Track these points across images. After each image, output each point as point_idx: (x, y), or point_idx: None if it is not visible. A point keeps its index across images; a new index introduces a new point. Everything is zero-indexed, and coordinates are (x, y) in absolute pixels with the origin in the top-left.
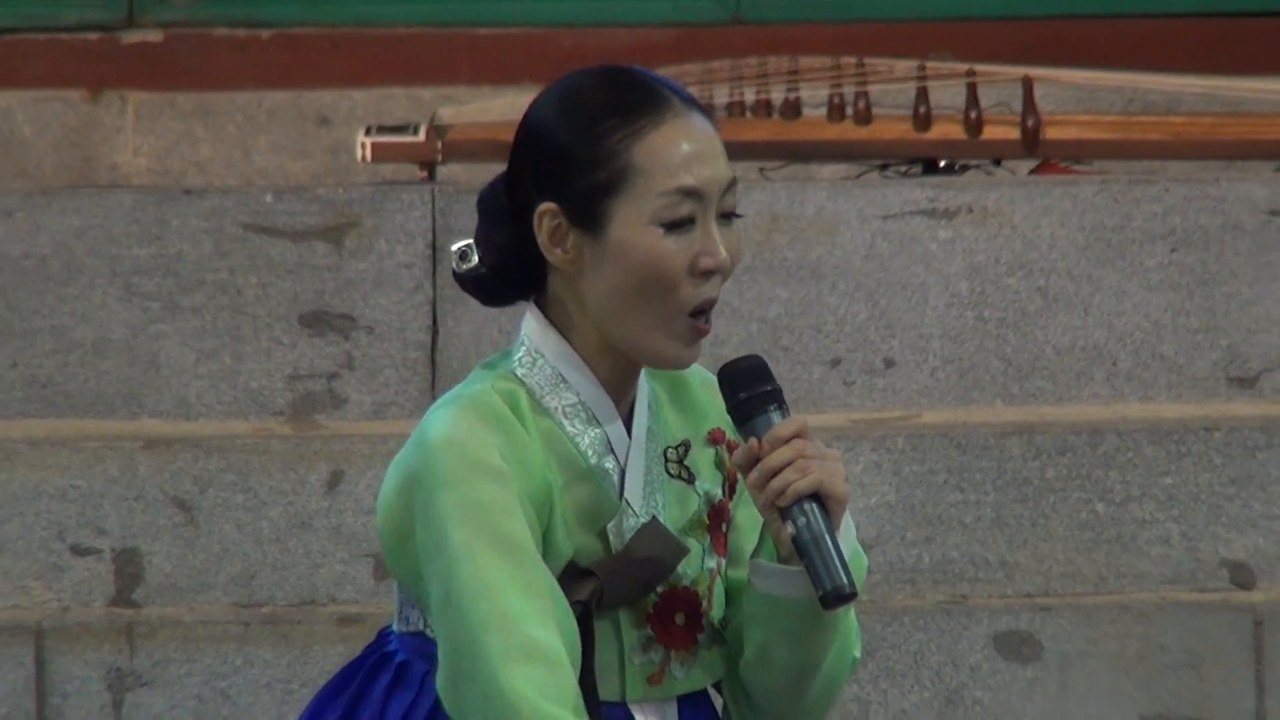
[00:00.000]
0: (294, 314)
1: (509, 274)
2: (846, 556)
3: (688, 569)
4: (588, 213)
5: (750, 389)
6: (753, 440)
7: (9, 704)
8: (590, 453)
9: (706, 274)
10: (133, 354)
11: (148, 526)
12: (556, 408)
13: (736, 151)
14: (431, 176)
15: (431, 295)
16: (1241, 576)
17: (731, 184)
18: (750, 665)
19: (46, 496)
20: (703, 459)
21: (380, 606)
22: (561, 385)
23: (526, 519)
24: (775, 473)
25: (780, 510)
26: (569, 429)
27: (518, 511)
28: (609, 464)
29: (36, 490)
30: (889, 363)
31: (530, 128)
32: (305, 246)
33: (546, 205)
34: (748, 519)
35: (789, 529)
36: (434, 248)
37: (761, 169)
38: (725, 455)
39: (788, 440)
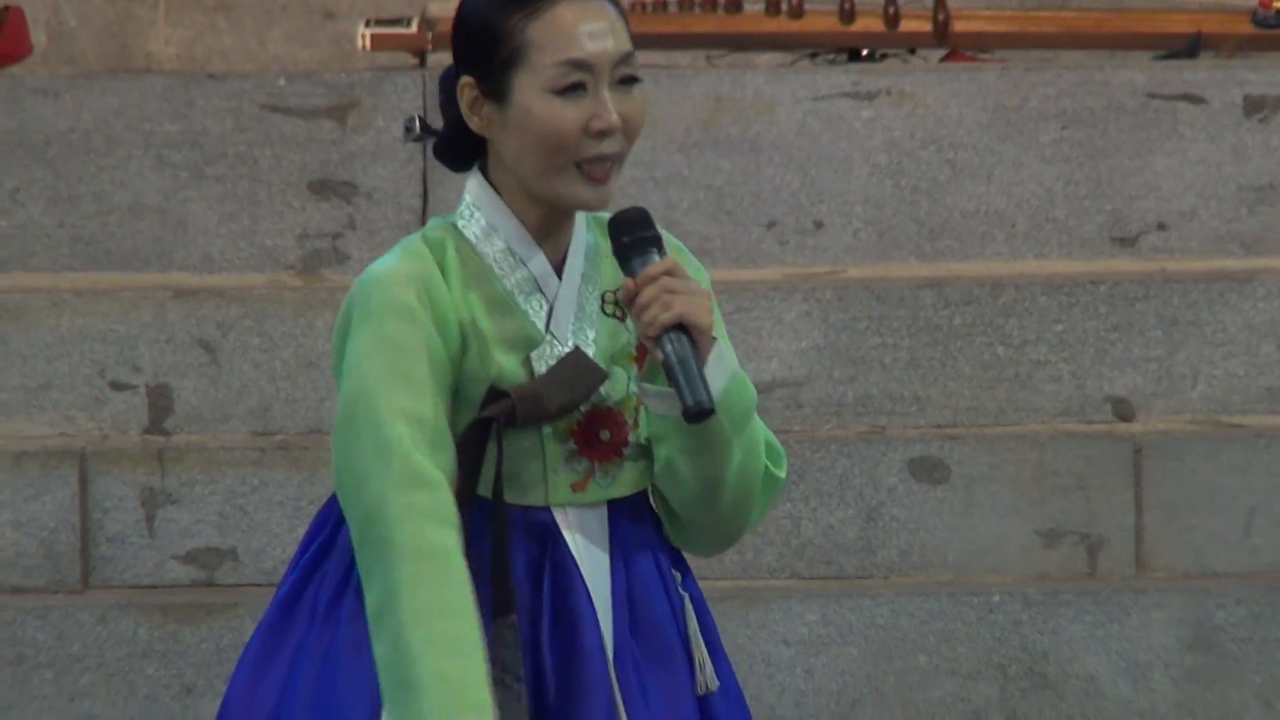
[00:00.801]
0: (303, 182)
1: (456, 142)
2: (722, 381)
3: (612, 392)
4: (495, 85)
5: (632, 234)
6: (628, 279)
7: (57, 518)
8: (516, 291)
9: (600, 134)
10: (163, 216)
11: (176, 365)
12: (489, 253)
13: (687, 42)
14: (422, 63)
15: (423, 166)
16: (1123, 410)
17: (625, 56)
18: (661, 478)
19: (89, 339)
20: (602, 306)
21: None
22: (494, 234)
23: (433, 355)
24: (646, 307)
25: (653, 339)
26: (497, 270)
27: (421, 351)
28: (536, 302)
29: (80, 334)
30: (818, 224)
31: (458, 14)
32: (313, 124)
33: (465, 79)
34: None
35: (658, 355)
36: (423, 125)
37: (708, 57)
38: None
39: (656, 278)
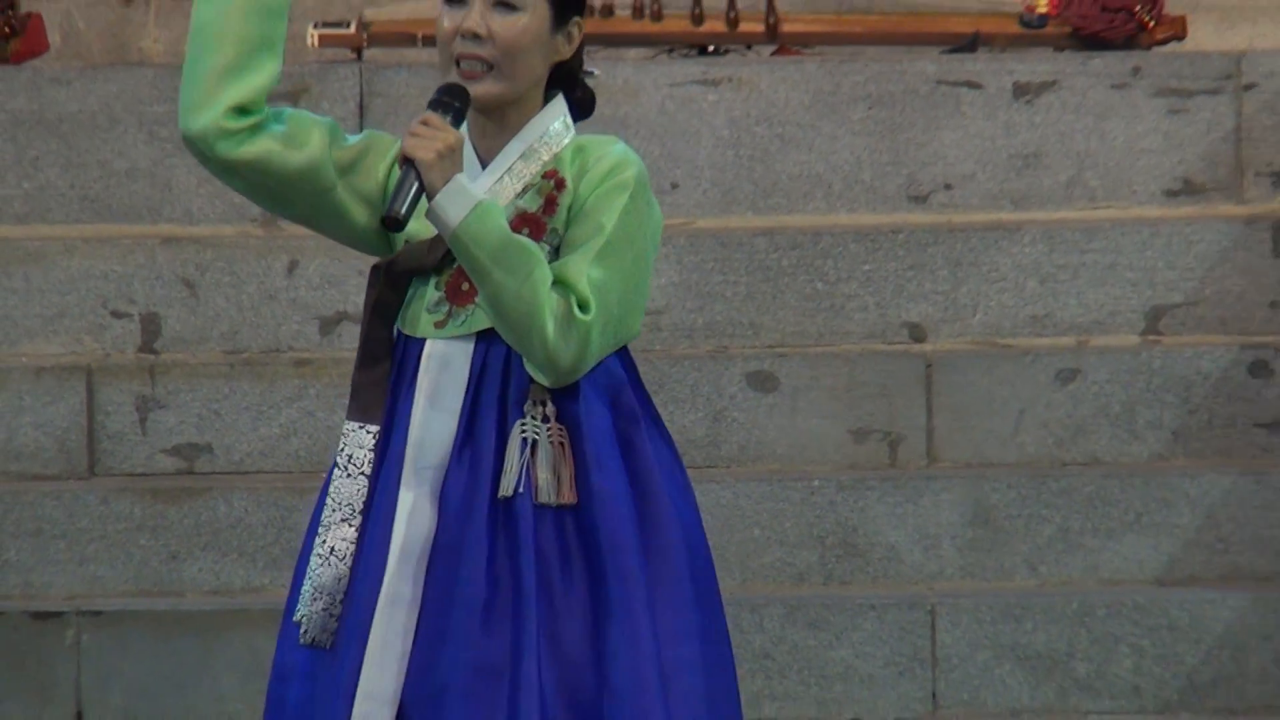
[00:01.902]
0: None
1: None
2: (462, 211)
3: (441, 232)
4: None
5: (437, 95)
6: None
7: (69, 420)
8: None
9: (465, 35)
10: (153, 179)
11: (164, 298)
12: None
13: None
14: (359, 58)
15: (359, 128)
16: (917, 333)
17: None
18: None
19: (94, 277)
20: (540, 187)
21: (324, 353)
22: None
23: (371, 147)
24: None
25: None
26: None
27: (366, 146)
28: None
29: (87, 273)
30: (674, 185)
31: None
32: (272, 104)
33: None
34: (569, 235)
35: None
36: (361, 106)
37: (588, 52)
38: (550, 187)
39: (418, 122)
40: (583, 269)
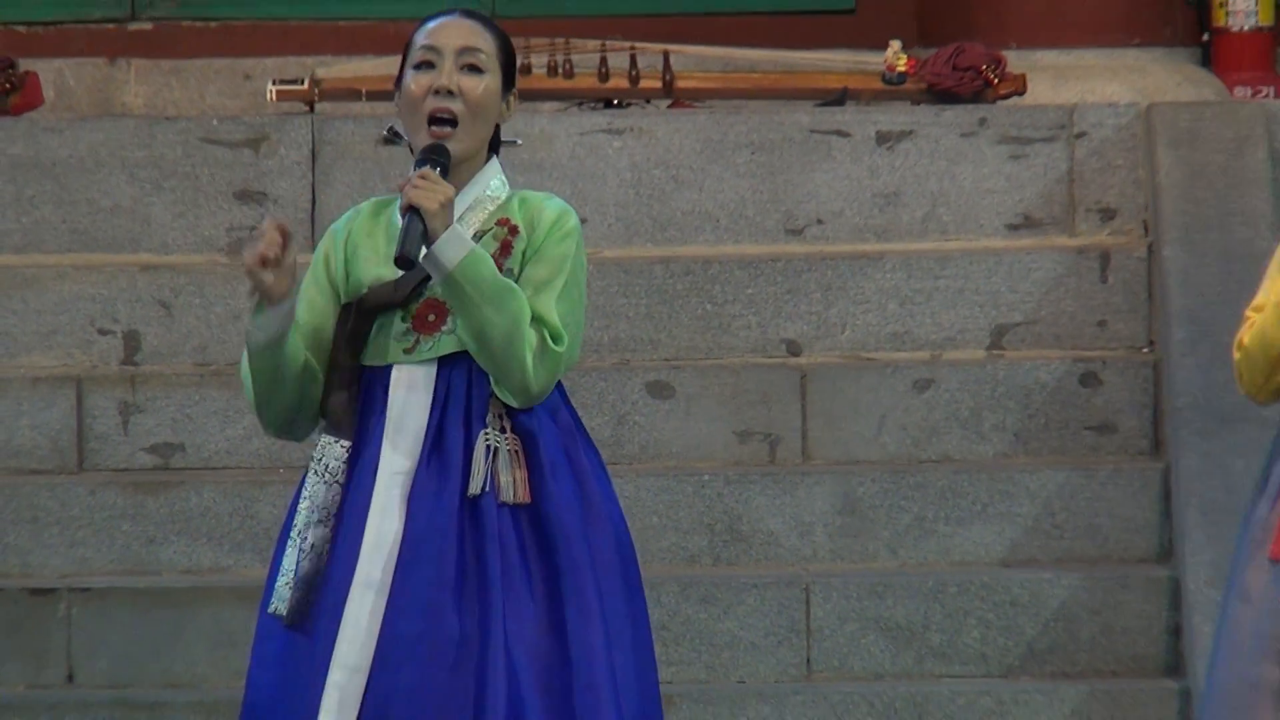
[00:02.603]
0: (230, 191)
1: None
2: (460, 254)
3: (433, 274)
4: (399, 81)
5: (424, 155)
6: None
7: (61, 422)
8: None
9: (438, 92)
10: (134, 215)
11: (143, 317)
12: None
13: None
14: (312, 110)
15: (311, 180)
16: (793, 348)
17: (464, 49)
18: (462, 337)
19: (82, 300)
20: (495, 233)
21: None
22: (399, 195)
23: (308, 285)
24: (401, 193)
25: (403, 213)
26: (397, 220)
27: (305, 286)
28: None
29: (76, 296)
30: (584, 220)
31: None
32: (237, 151)
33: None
34: (527, 274)
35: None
36: (313, 153)
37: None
38: (505, 233)
39: (411, 178)
40: (551, 305)
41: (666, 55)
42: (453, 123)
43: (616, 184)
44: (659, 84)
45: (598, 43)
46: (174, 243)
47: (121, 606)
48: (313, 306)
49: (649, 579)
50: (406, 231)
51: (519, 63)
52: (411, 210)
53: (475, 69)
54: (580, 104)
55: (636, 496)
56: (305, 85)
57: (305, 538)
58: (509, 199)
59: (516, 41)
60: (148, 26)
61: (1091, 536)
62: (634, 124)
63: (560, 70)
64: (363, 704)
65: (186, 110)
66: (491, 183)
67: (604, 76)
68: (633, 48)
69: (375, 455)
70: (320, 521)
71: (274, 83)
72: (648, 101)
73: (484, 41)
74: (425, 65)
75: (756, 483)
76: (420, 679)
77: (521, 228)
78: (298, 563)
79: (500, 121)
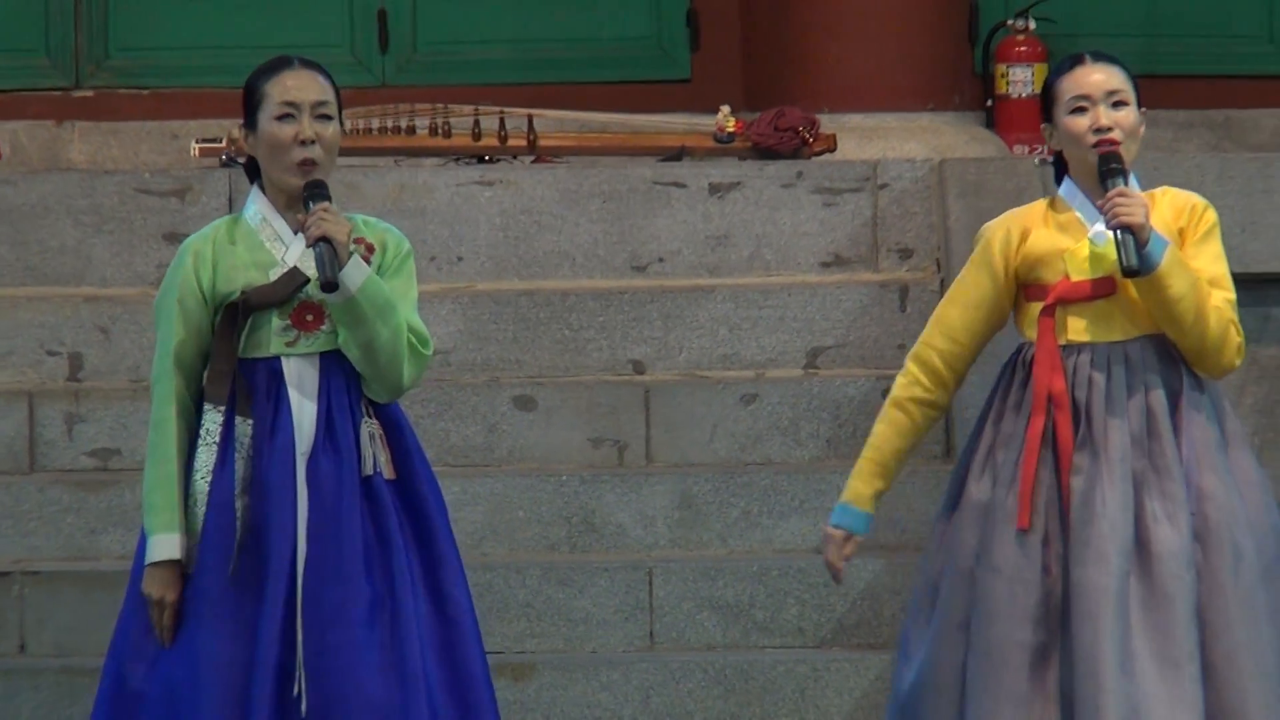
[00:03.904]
0: (160, 234)
1: (251, 165)
2: (361, 278)
3: (315, 294)
4: (250, 122)
5: (309, 191)
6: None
7: (15, 430)
8: (265, 240)
9: (304, 141)
10: (78, 254)
11: (86, 340)
12: (254, 223)
13: (384, 151)
14: (229, 165)
15: None
16: (639, 368)
17: (318, 103)
18: (341, 347)
19: (35, 325)
20: (354, 250)
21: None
22: (254, 212)
23: (184, 296)
24: (309, 227)
25: (311, 245)
26: (259, 233)
27: (181, 299)
28: (279, 247)
29: (30, 322)
30: (460, 258)
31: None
32: (165, 200)
33: (241, 124)
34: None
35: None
36: (230, 200)
37: (396, 160)
38: (363, 250)
39: (317, 212)
40: (414, 315)
41: (530, 118)
42: (315, 164)
43: (488, 228)
44: (524, 142)
45: (472, 108)
46: (112, 278)
47: (67, 587)
48: (189, 316)
49: (516, 564)
50: (321, 260)
51: (404, 125)
52: (323, 240)
53: (326, 117)
54: (457, 160)
55: (505, 494)
56: (224, 143)
57: (238, 509)
58: (352, 220)
59: (401, 107)
60: (90, 94)
61: (892, 528)
62: (503, 177)
63: (440, 131)
64: (302, 662)
65: (123, 165)
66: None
67: (477, 136)
68: (502, 112)
69: (286, 435)
70: (244, 492)
71: (197, 141)
72: (514, 157)
73: (329, 93)
74: (287, 117)
75: (607, 482)
76: (345, 639)
77: (375, 247)
78: (234, 528)
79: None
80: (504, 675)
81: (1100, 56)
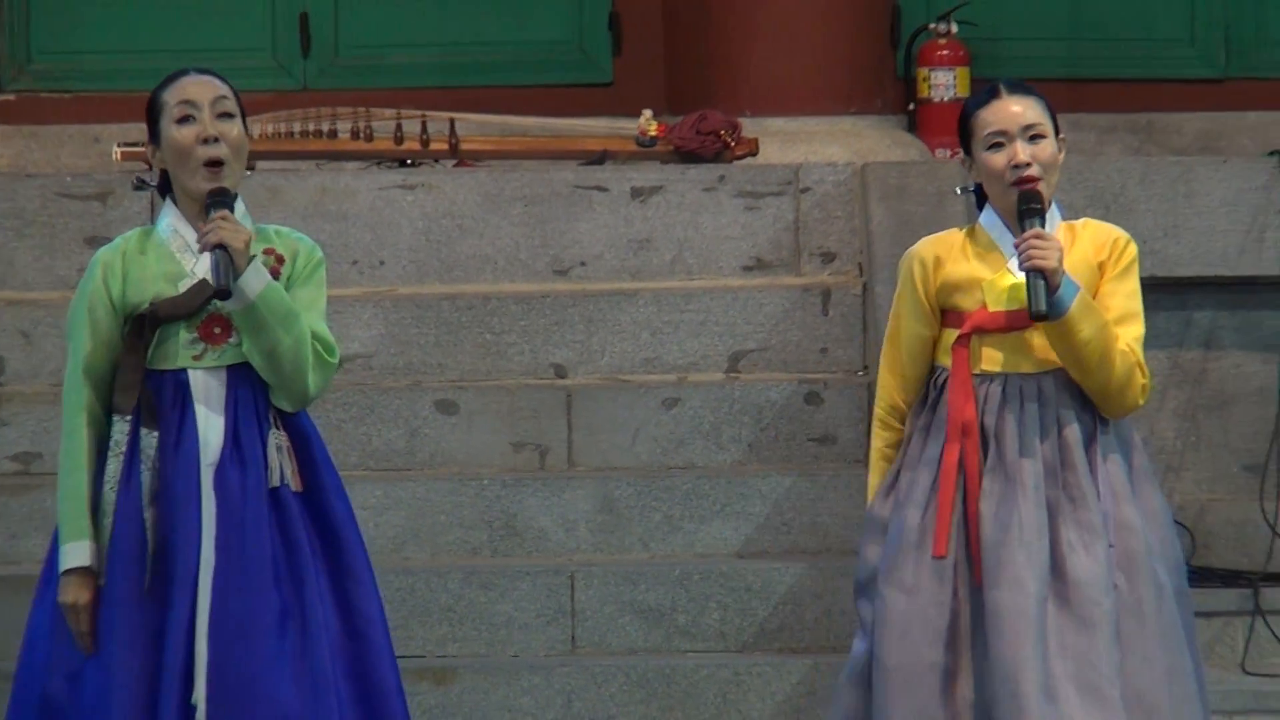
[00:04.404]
0: (81, 238)
1: (164, 182)
2: (260, 285)
3: (224, 306)
4: (154, 135)
5: (212, 199)
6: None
7: None
8: (175, 251)
9: (205, 141)
10: (0, 257)
11: (8, 345)
12: (165, 235)
13: (306, 155)
14: (151, 168)
15: (151, 224)
16: (561, 372)
17: (217, 99)
18: (246, 354)
19: None
20: (263, 260)
21: None
22: (166, 224)
23: (94, 306)
24: (206, 234)
25: (209, 251)
26: (170, 244)
27: (91, 309)
28: (188, 258)
29: None
30: (382, 262)
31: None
32: (87, 204)
33: (148, 140)
34: (294, 295)
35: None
36: (151, 205)
37: (318, 164)
38: (272, 261)
39: (214, 220)
40: (321, 323)
41: (452, 122)
42: (221, 164)
43: (410, 232)
44: (446, 146)
45: (394, 111)
46: (34, 281)
47: None
48: (99, 327)
49: (437, 568)
50: (217, 268)
51: (326, 129)
52: (219, 248)
53: (228, 115)
54: (379, 163)
55: (427, 498)
56: (145, 147)
57: (146, 518)
58: (263, 231)
59: (324, 110)
60: (11, 98)
61: (814, 532)
62: (425, 180)
63: (362, 135)
64: (208, 671)
65: (44, 169)
66: (243, 217)
67: (399, 140)
68: (424, 116)
69: (191, 447)
70: (150, 503)
71: (118, 145)
72: (436, 161)
73: (227, 91)
74: (187, 119)
75: (529, 486)
76: (254, 649)
77: (286, 256)
78: (143, 539)
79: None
80: (425, 679)
81: (1016, 88)
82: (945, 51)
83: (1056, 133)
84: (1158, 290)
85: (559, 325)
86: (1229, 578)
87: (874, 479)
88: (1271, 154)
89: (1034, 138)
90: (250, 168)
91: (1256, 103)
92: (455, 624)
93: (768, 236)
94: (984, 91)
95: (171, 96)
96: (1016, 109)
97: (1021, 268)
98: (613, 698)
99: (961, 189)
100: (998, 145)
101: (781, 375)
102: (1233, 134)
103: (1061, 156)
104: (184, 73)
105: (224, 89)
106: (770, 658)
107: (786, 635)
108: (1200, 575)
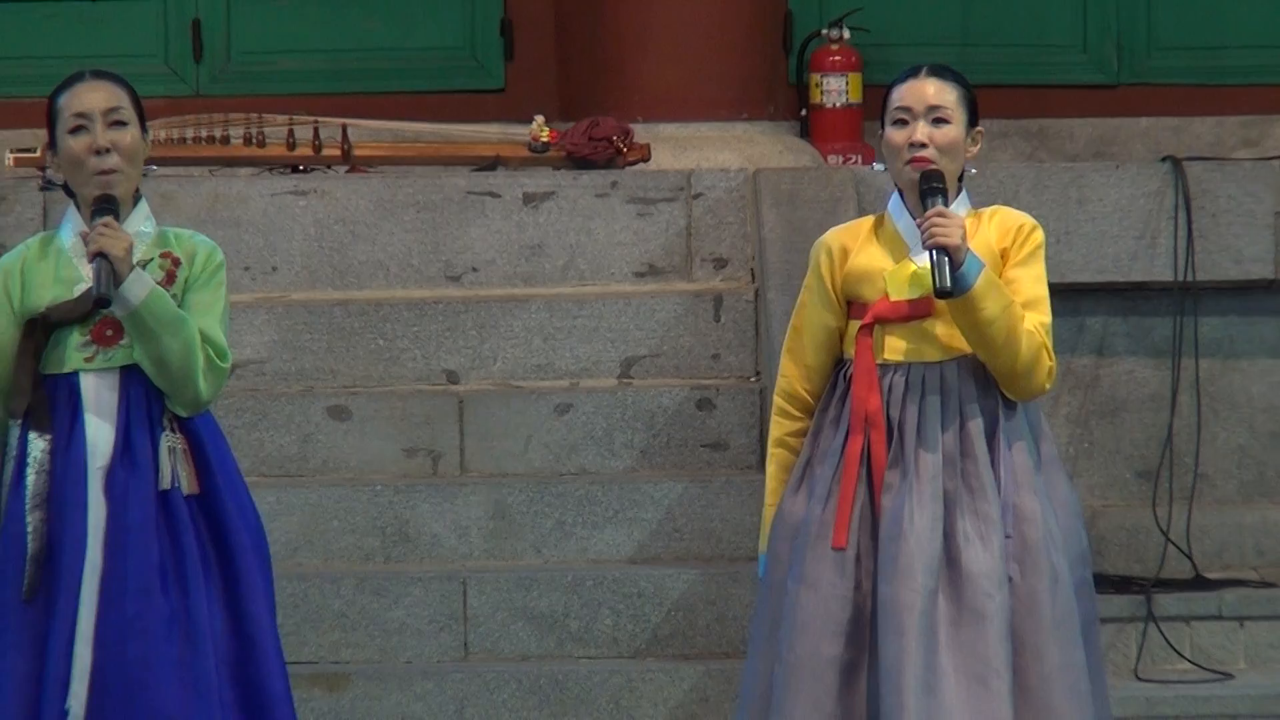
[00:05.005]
0: None
1: (68, 184)
2: (144, 292)
3: (109, 313)
4: (52, 141)
5: (102, 206)
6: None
7: None
8: (74, 256)
9: (99, 151)
10: None
11: None
12: (65, 240)
13: (199, 161)
14: (44, 173)
15: (43, 229)
16: (453, 378)
17: (110, 109)
18: (136, 359)
19: None
20: (160, 264)
21: None
22: (68, 229)
23: (1, 308)
24: (92, 241)
25: (91, 259)
26: (70, 249)
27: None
28: (85, 262)
29: None
30: (274, 268)
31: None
32: None
33: (46, 145)
34: (190, 299)
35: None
36: (44, 210)
37: (210, 170)
38: (169, 264)
39: (97, 226)
40: (215, 327)
41: (345, 128)
42: (114, 172)
43: (302, 237)
44: (339, 152)
45: (286, 117)
46: None
47: None
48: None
49: (330, 574)
50: (98, 275)
51: (219, 135)
52: (100, 256)
53: (121, 123)
54: (272, 169)
55: (319, 504)
56: (39, 153)
57: (30, 523)
58: (163, 234)
59: (216, 116)
60: None
61: (707, 538)
62: (317, 186)
63: (255, 141)
64: (91, 675)
65: None
66: (146, 219)
67: (292, 146)
68: (316, 121)
69: (80, 451)
70: (37, 507)
71: (11, 151)
72: (329, 167)
73: (122, 98)
74: (80, 129)
75: (421, 492)
76: (141, 653)
77: (182, 260)
78: (30, 544)
79: (144, 162)
80: (318, 685)
81: (938, 71)
82: (837, 57)
83: (973, 124)
84: (1050, 296)
85: (451, 331)
86: (1122, 584)
87: (771, 467)
88: (1164, 160)
89: (938, 121)
90: (145, 174)
91: (1149, 109)
92: (348, 630)
93: (660, 242)
94: (908, 69)
95: (66, 104)
96: (929, 90)
97: (925, 245)
98: (505, 704)
99: (879, 165)
100: (901, 122)
101: (674, 381)
102: (1125, 140)
103: (975, 150)
104: (80, 77)
105: (119, 96)
106: (663, 663)
107: (679, 641)
108: (1094, 582)
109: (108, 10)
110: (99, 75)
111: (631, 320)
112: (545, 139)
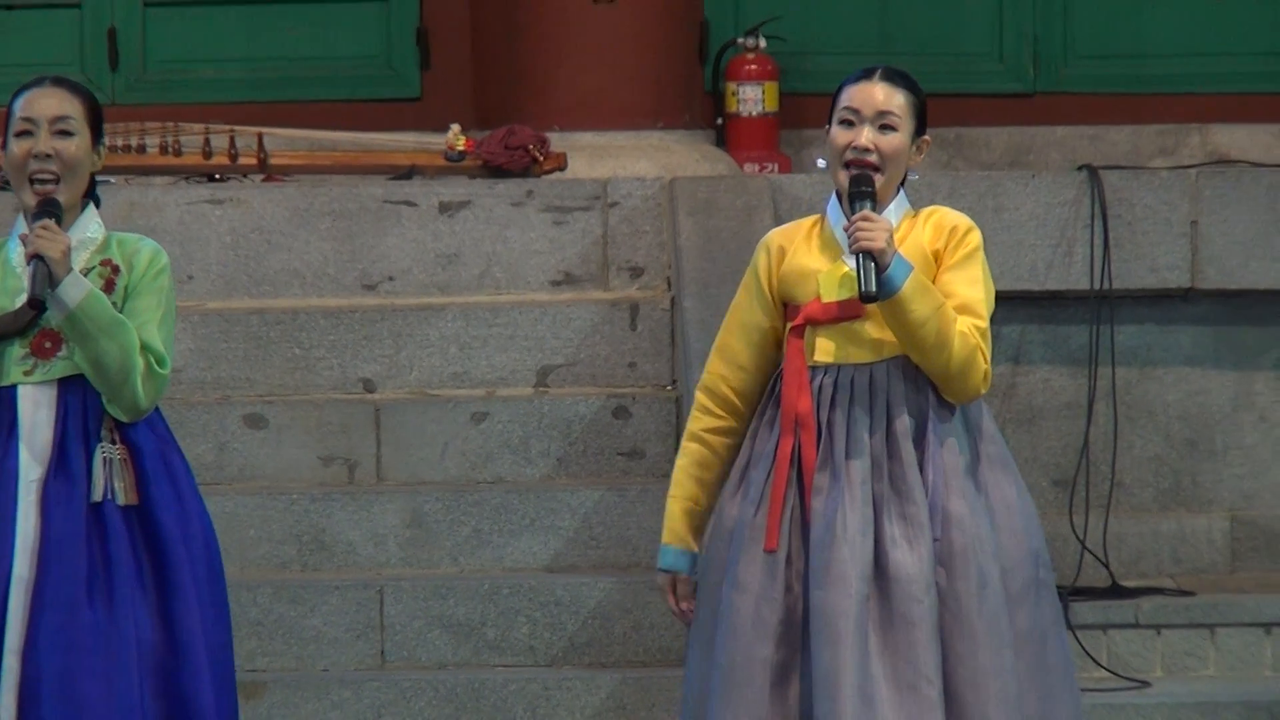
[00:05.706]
0: None
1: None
2: (80, 295)
3: (47, 317)
4: (5, 144)
5: (42, 209)
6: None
7: None
8: (16, 267)
9: (38, 156)
10: None
11: None
12: (12, 249)
13: (116, 171)
14: (7, 189)
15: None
16: (370, 386)
17: (56, 118)
18: (79, 365)
19: None
20: (100, 271)
21: None
22: (14, 241)
23: None
24: (31, 243)
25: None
26: (13, 262)
27: None
28: (27, 271)
29: None
30: (190, 277)
31: None
32: None
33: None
34: (131, 306)
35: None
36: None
37: (126, 179)
38: (109, 272)
39: (36, 229)
40: (155, 333)
41: (260, 136)
42: (54, 180)
43: (218, 246)
44: (255, 161)
45: (202, 126)
46: None
47: None
48: None
49: (246, 582)
50: (34, 277)
51: (135, 144)
52: (36, 258)
53: (67, 133)
54: (187, 178)
55: (236, 512)
56: None
57: None
58: (107, 240)
59: (132, 125)
60: None
61: (623, 546)
62: (233, 195)
63: (170, 149)
64: (20, 687)
65: None
66: (91, 226)
67: (208, 155)
68: (232, 130)
69: (13, 463)
70: None
71: None
72: (245, 176)
73: (73, 108)
74: (25, 134)
75: (338, 500)
76: (65, 664)
77: (122, 267)
78: None
79: (93, 171)
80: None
81: (891, 76)
82: (753, 66)
83: (920, 132)
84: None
85: (367, 340)
86: None
87: (682, 460)
88: (1080, 168)
89: (884, 127)
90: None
91: (1065, 117)
92: (264, 638)
93: (576, 251)
94: (862, 69)
95: (19, 108)
96: (878, 94)
97: (850, 249)
98: (422, 712)
99: (822, 161)
100: (847, 123)
101: (590, 390)
102: (1041, 148)
103: (919, 158)
104: (39, 82)
105: (70, 106)
106: (579, 672)
107: (595, 649)
108: None
109: (23, 19)
110: (58, 83)
111: (548, 329)
112: (461, 148)
